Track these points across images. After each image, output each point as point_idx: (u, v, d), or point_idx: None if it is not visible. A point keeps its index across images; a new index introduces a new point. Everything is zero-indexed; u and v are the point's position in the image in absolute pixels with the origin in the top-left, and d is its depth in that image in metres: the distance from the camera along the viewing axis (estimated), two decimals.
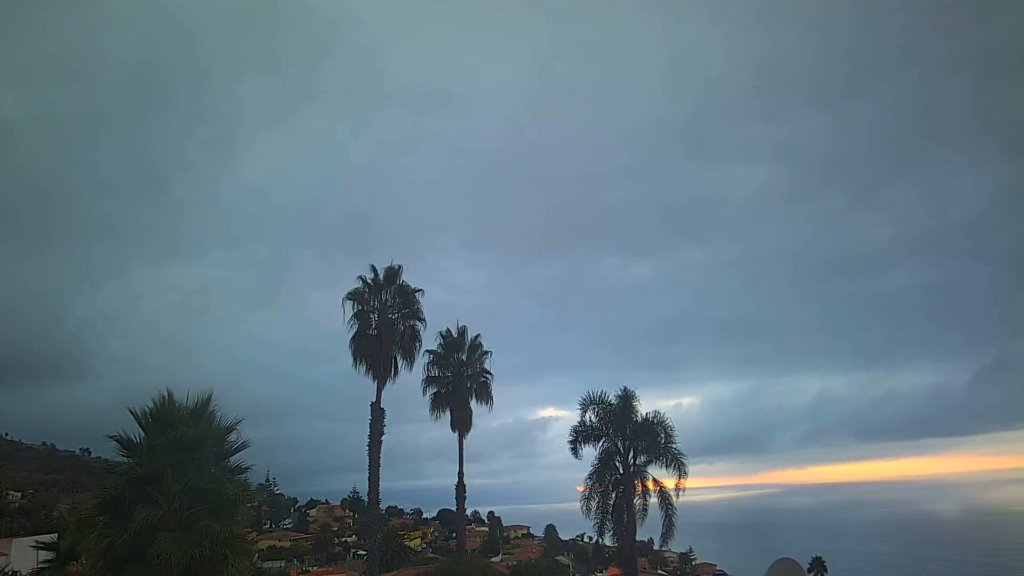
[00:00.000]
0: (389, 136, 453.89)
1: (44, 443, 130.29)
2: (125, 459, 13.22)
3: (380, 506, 39.34)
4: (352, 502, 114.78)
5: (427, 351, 34.74)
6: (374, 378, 31.20)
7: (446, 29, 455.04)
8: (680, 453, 25.52)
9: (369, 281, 32.23)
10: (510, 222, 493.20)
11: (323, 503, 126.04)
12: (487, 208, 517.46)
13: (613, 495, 26.07)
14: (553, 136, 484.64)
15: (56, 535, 26.43)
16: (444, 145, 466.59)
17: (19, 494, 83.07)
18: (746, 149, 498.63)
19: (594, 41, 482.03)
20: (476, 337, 36.15)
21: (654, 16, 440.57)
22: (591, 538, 78.33)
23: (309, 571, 67.99)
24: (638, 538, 29.17)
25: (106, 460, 14.79)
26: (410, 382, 33.86)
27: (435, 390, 35.10)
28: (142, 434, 13.11)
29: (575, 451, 26.76)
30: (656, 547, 73.48)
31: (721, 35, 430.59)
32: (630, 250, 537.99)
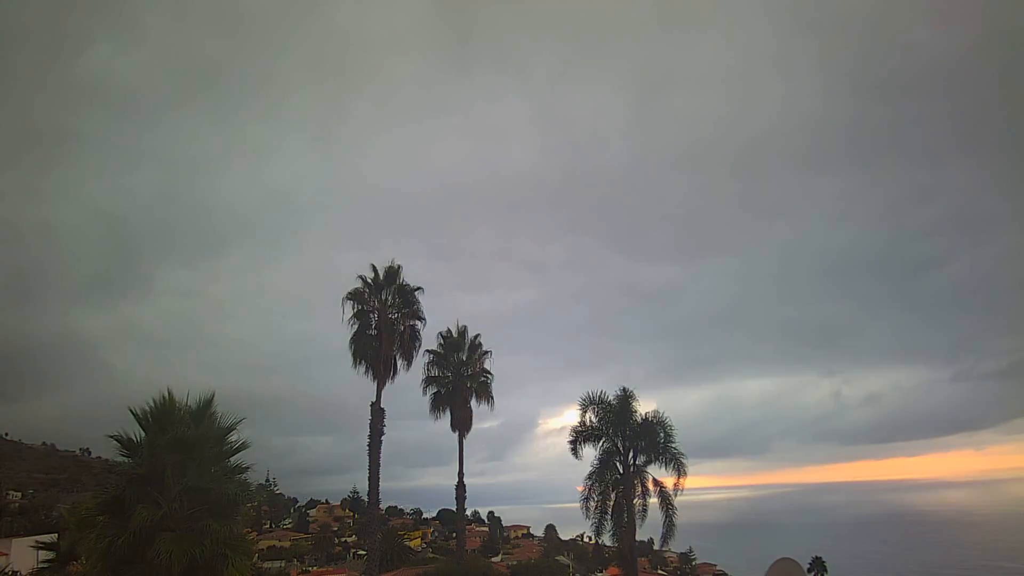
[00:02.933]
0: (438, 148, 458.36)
1: (44, 443, 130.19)
2: (125, 459, 13.22)
3: (380, 506, 39.32)
4: (352, 502, 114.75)
5: (427, 351, 34.81)
6: (374, 378, 31.18)
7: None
8: (680, 453, 25.51)
9: (369, 281, 32.20)
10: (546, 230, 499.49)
11: (323, 503, 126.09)
12: (522, 214, 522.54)
13: (613, 495, 26.05)
14: (598, 151, 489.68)
15: (56, 535, 26.50)
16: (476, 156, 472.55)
17: (19, 494, 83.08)
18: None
19: (645, 54, 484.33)
20: (476, 337, 36.21)
21: (709, 27, 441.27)
22: (591, 538, 78.24)
23: (309, 571, 67.97)
24: (638, 538, 29.14)
25: (106, 460, 14.83)
26: (410, 382, 33.93)
27: (435, 390, 35.12)
28: (142, 434, 13.12)
29: (575, 451, 26.77)
30: (656, 547, 73.37)
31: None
32: (666, 255, 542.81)
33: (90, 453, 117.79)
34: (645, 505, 25.69)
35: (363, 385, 30.97)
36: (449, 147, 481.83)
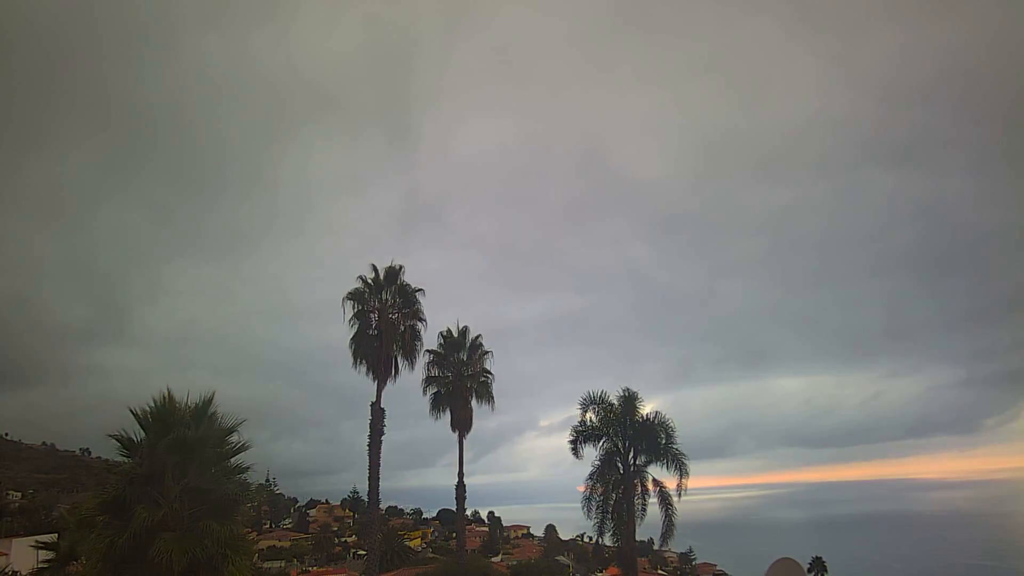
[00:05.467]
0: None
1: (44, 443, 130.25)
2: (125, 459, 13.23)
3: (380, 506, 39.30)
4: (352, 502, 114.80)
5: (427, 351, 34.74)
6: (374, 378, 31.15)
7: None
8: (681, 453, 25.46)
9: (369, 281, 32.15)
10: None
11: (323, 503, 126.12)
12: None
13: (613, 495, 26.05)
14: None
15: (56, 535, 26.49)
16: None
17: (19, 494, 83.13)
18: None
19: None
20: (477, 337, 36.14)
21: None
22: (591, 538, 78.27)
23: (309, 571, 67.97)
24: (638, 538, 29.14)
25: (106, 460, 14.85)
26: (410, 382, 33.89)
27: (435, 390, 35.07)
28: (143, 434, 13.12)
29: (575, 451, 26.76)
30: (656, 547, 73.46)
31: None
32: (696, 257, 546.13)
33: (90, 453, 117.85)
34: (645, 505, 25.69)
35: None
36: (496, 145, 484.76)
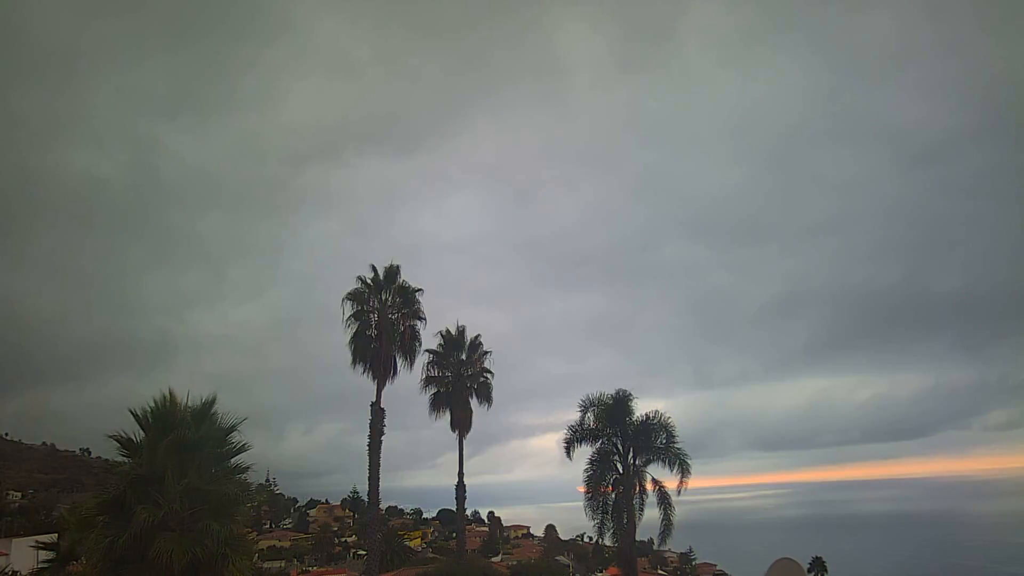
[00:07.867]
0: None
1: (44, 443, 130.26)
2: (126, 459, 13.25)
3: (380, 506, 39.29)
4: (352, 502, 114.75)
5: (427, 351, 34.74)
6: (374, 378, 31.12)
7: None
8: (682, 452, 25.47)
9: (368, 281, 32.11)
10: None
11: (323, 503, 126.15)
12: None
13: (613, 495, 26.07)
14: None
15: (56, 535, 26.48)
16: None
17: (19, 494, 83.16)
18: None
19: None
20: (476, 337, 36.15)
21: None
22: (591, 538, 78.29)
23: (309, 571, 68.01)
24: (638, 538, 29.12)
25: (106, 460, 14.86)
26: (410, 382, 33.87)
27: (435, 390, 35.07)
28: (143, 434, 13.14)
29: (568, 451, 26.71)
30: (656, 547, 73.46)
31: None
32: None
33: (90, 453, 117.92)
34: (650, 503, 25.68)
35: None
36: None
